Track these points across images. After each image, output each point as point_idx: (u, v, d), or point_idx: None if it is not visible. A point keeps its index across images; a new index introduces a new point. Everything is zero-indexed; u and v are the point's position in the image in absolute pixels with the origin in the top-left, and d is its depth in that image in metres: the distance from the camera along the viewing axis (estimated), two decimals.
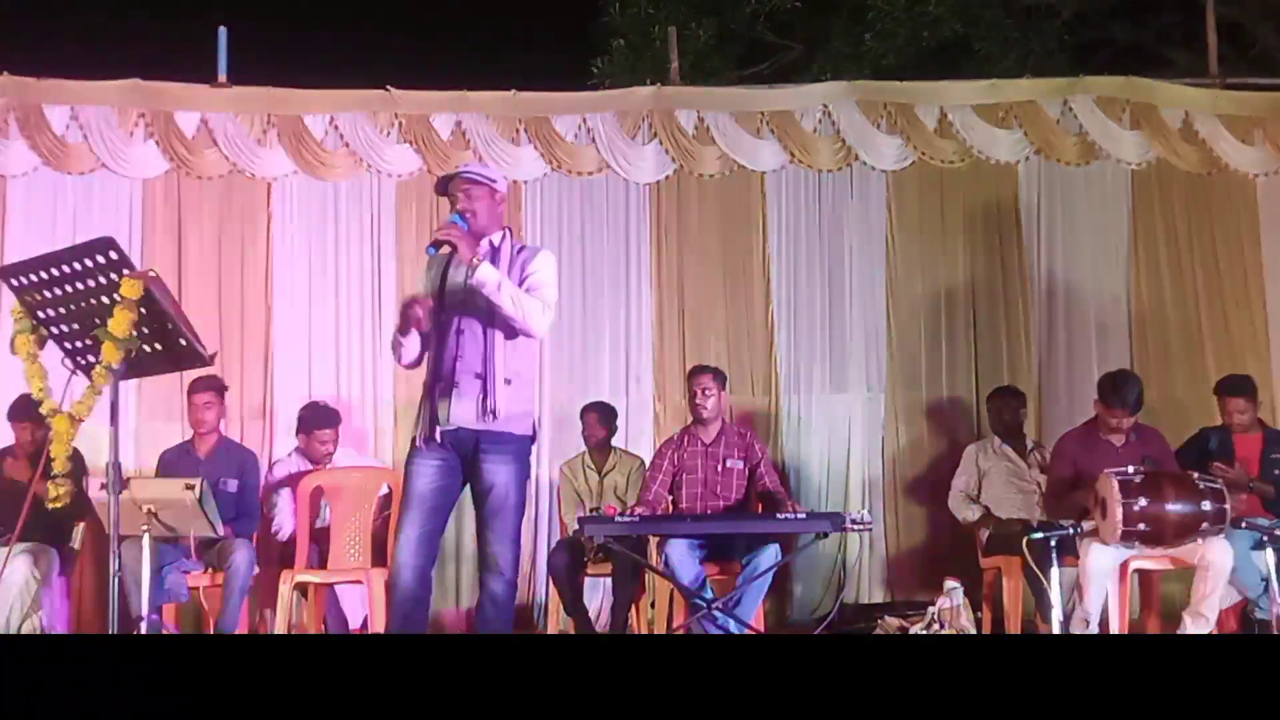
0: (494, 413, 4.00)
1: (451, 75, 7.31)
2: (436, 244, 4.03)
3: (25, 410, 5.55)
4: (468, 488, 4.15)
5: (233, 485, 5.75)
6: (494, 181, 4.22)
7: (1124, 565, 5.30)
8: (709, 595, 5.52)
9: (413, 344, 4.14)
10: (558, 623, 6.10)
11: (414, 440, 4.13)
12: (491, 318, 4.05)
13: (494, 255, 4.12)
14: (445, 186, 4.25)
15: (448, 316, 4.09)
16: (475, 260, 3.97)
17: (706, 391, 5.91)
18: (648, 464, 6.24)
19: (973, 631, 5.77)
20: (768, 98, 7.54)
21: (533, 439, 4.20)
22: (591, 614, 6.24)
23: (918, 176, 7.36)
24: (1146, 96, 7.41)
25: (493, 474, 4.05)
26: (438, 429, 4.05)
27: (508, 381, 4.06)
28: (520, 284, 4.10)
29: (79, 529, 5.80)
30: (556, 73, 8.58)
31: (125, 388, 3.78)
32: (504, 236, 4.24)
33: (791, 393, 7.23)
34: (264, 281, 7.03)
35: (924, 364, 7.27)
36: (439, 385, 4.07)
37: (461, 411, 4.04)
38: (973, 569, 6.16)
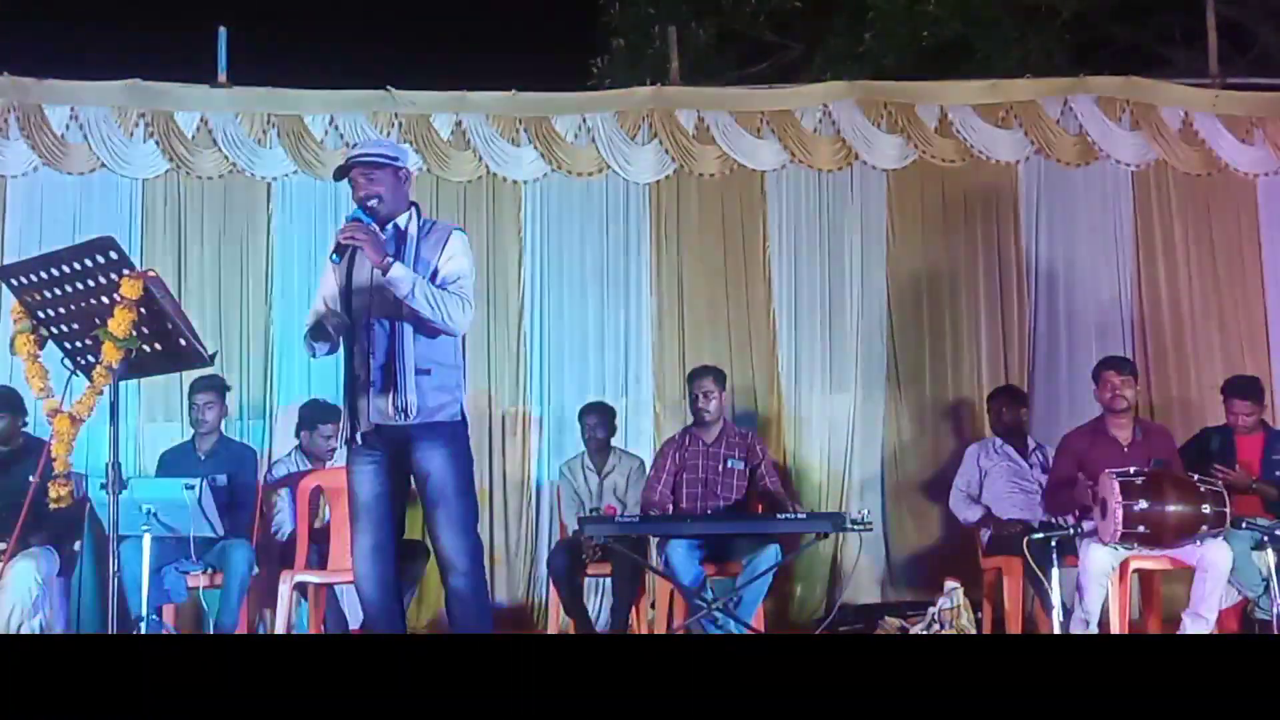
0: (406, 410, 3.86)
1: (451, 75, 7.31)
2: (340, 250, 3.87)
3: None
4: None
5: (232, 485, 5.73)
6: (396, 160, 4.02)
7: (1124, 565, 5.30)
8: (709, 595, 5.52)
9: (323, 346, 4.03)
10: (558, 623, 6.09)
11: (347, 445, 4.02)
12: (400, 310, 3.88)
13: (401, 240, 3.96)
14: (343, 173, 4.02)
15: (357, 312, 3.95)
16: (385, 262, 3.80)
17: (708, 395, 5.92)
18: (648, 464, 6.25)
19: (973, 631, 5.77)
20: (768, 98, 7.53)
21: (463, 423, 4.04)
22: (591, 614, 6.24)
23: (918, 176, 7.36)
24: (1146, 96, 7.41)
25: (426, 462, 3.92)
26: (358, 432, 3.93)
27: (427, 372, 3.91)
28: (434, 277, 3.93)
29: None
30: (556, 73, 8.57)
31: (125, 388, 3.77)
32: (410, 217, 4.03)
33: (791, 393, 7.23)
34: (264, 281, 7.02)
35: (924, 364, 7.27)
36: (355, 384, 3.94)
37: (379, 409, 3.90)
38: (973, 569, 6.16)
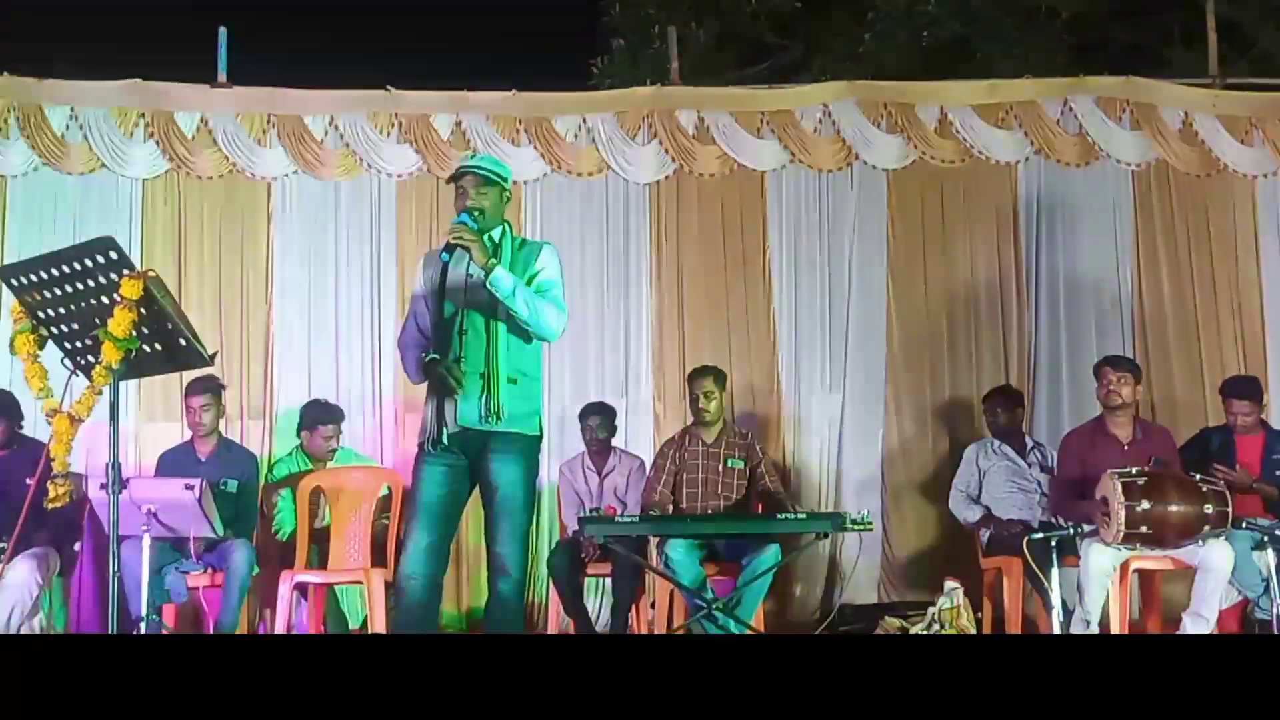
0: (498, 413, 3.93)
1: (451, 75, 7.31)
2: (450, 249, 3.93)
3: None
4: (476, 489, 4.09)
5: (233, 486, 5.74)
6: (505, 180, 4.14)
7: (1124, 565, 5.30)
8: (709, 595, 5.52)
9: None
10: (558, 623, 6.09)
11: (420, 444, 4.05)
12: (494, 314, 3.97)
13: (496, 253, 4.04)
14: (455, 178, 4.13)
15: (450, 314, 4.00)
16: (490, 264, 3.89)
17: (708, 395, 5.93)
18: (648, 464, 6.25)
19: (973, 631, 5.77)
20: (768, 98, 7.54)
21: (540, 437, 4.14)
22: (591, 614, 6.24)
23: (918, 176, 7.36)
24: (1146, 96, 7.41)
25: (500, 473, 3.97)
26: (445, 432, 3.96)
27: (513, 380, 4.00)
28: (529, 283, 4.03)
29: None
30: (556, 73, 8.56)
31: (125, 388, 3.77)
32: (503, 231, 4.15)
33: (791, 393, 7.23)
34: (264, 281, 7.03)
35: (924, 364, 7.27)
36: (444, 386, 3.96)
37: (466, 412, 3.94)
38: (973, 569, 6.16)
